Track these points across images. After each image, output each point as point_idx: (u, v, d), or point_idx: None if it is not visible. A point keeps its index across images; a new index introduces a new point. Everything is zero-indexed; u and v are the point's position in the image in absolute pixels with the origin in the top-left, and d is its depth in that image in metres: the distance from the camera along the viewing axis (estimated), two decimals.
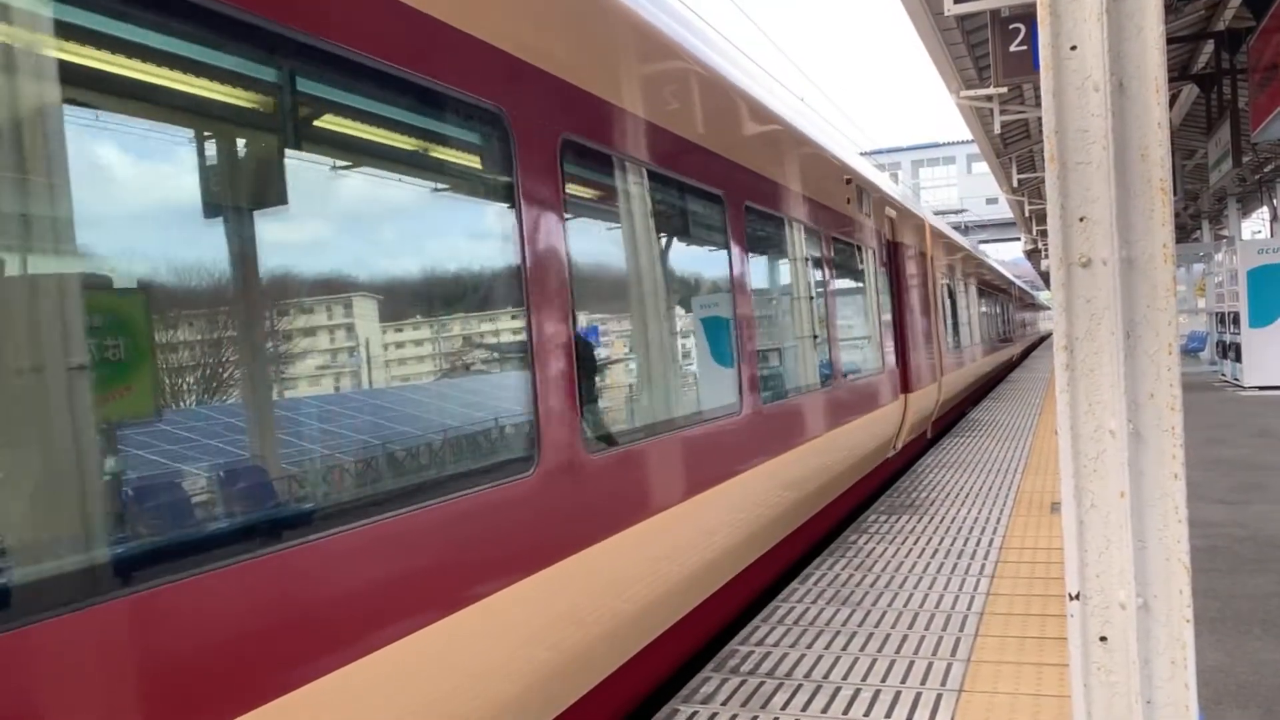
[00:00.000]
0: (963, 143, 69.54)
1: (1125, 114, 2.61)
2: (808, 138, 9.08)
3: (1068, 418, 2.68)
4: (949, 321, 18.14)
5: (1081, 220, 2.65)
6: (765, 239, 7.73)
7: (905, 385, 12.65)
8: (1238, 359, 20.95)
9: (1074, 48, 2.65)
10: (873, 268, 11.49)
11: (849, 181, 10.35)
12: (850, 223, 10.32)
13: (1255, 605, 5.88)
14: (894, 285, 12.74)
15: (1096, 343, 2.65)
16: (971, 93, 17.49)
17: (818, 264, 9.10)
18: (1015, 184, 29.26)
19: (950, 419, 18.08)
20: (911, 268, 14.09)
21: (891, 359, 12.04)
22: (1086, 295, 2.65)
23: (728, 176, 6.55)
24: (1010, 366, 34.11)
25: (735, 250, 6.61)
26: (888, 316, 12.15)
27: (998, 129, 19.36)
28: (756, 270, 7.32)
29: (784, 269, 8.49)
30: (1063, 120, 2.67)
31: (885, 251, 12.32)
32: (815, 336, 9.01)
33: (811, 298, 8.95)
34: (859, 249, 10.88)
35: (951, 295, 18.97)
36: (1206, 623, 5.52)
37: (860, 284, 11.13)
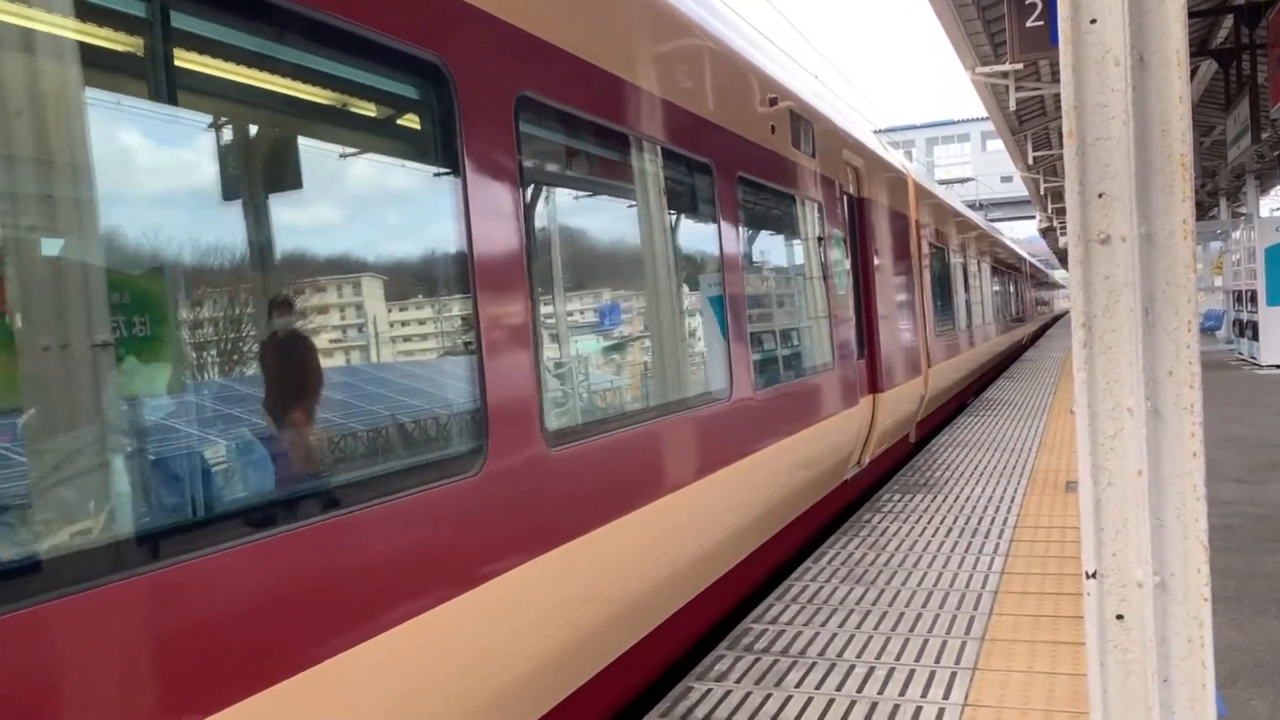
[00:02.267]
0: (977, 120, 68.94)
1: (1145, 88, 2.58)
2: (688, 19, 5.90)
3: (1085, 395, 2.66)
4: (941, 301, 15.34)
5: (1100, 196, 2.63)
6: (588, 165, 5.01)
7: (874, 384, 9.95)
8: (1255, 337, 20.81)
9: (1094, 21, 2.61)
10: (821, 229, 8.50)
11: (775, 103, 7.29)
12: (777, 162, 7.31)
13: (1273, 584, 5.86)
14: (858, 254, 9.93)
15: (1115, 320, 2.63)
16: (987, 69, 17.35)
17: (707, 216, 6.09)
18: (1030, 161, 29.07)
19: (944, 416, 15.42)
20: (887, 233, 11.23)
21: (851, 351, 9.05)
22: (1105, 272, 2.63)
23: (475, 39, 3.71)
24: (1021, 349, 33.39)
25: (493, 177, 3.73)
26: (845, 295, 9.16)
27: (1013, 106, 19.19)
28: (563, 216, 4.78)
29: (633, 220, 5.43)
30: (1082, 95, 2.63)
31: (845, 210, 9.40)
32: (691, 327, 6.05)
33: (691, 266, 6.07)
34: (795, 201, 7.91)
35: (945, 270, 16.00)
36: (1223, 601, 5.50)
37: (796, 250, 8.23)
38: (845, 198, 9.48)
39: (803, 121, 8.04)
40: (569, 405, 4.78)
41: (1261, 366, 19.89)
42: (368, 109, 3.56)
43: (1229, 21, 16.68)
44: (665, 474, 5.09)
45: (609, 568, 4.46)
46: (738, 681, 4.69)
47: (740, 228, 6.50)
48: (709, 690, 4.60)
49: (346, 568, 2.92)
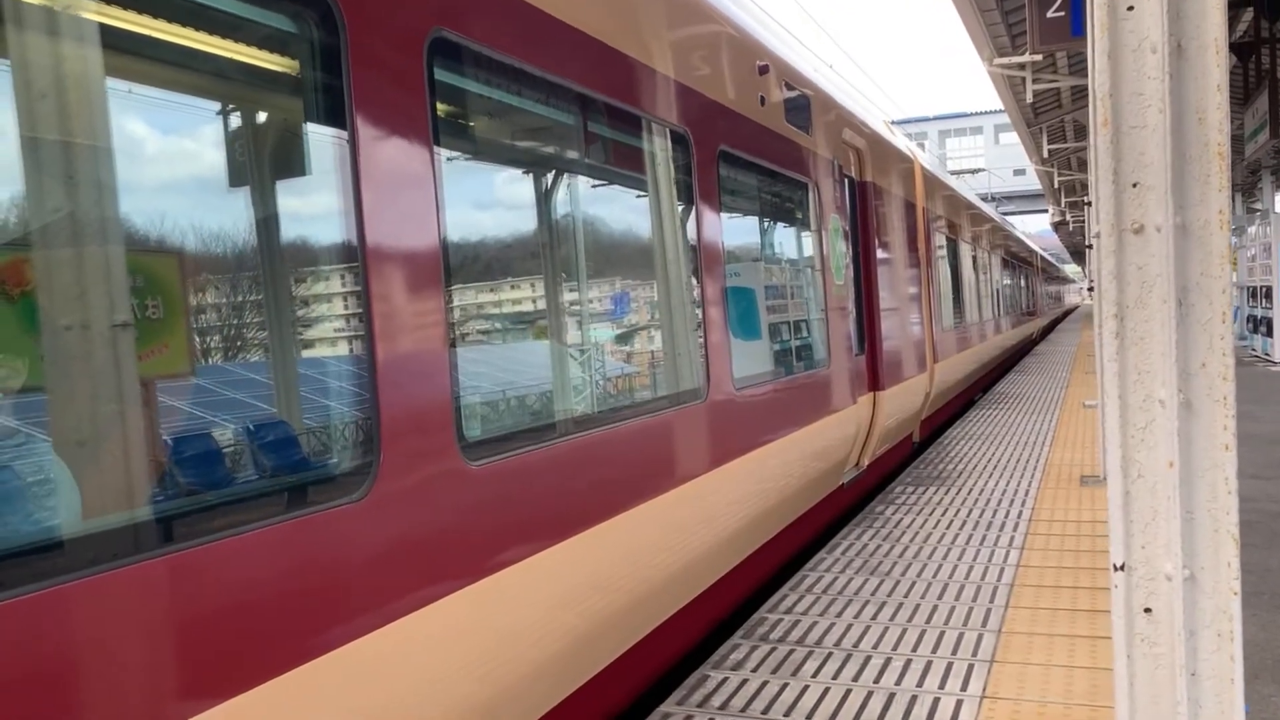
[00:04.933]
0: (990, 113, 68.74)
1: (1182, 76, 2.55)
2: None
3: (1116, 387, 2.64)
4: (948, 294, 14.68)
5: (1135, 186, 2.60)
6: (532, 128, 4.38)
7: (874, 381, 9.29)
8: (1269, 334, 20.70)
9: (1131, 8, 2.58)
10: (817, 213, 7.78)
11: (765, 71, 6.64)
12: (767, 138, 6.66)
13: None
14: (859, 242, 9.27)
15: (1147, 310, 2.60)
16: (1004, 60, 17.25)
17: (683, 193, 5.41)
18: (1045, 154, 28.91)
19: (950, 414, 14.88)
20: (890, 221, 10.56)
21: (849, 346, 8.38)
22: (1138, 262, 2.60)
23: None
24: (1031, 344, 33.13)
25: (394, 136, 3.16)
26: (844, 286, 8.44)
27: (1030, 98, 19.10)
28: (500, 187, 4.30)
29: (590, 195, 4.89)
30: (1118, 83, 2.60)
31: (845, 194, 8.70)
32: (657, 319, 5.38)
33: (663, 251, 5.30)
34: (787, 181, 7.25)
35: (953, 261, 15.34)
36: (1241, 597, 5.46)
37: (787, 235, 7.66)
38: (845, 181, 8.80)
39: (798, 96, 7.38)
40: (497, 408, 4.20)
41: (1275, 363, 19.79)
42: (226, 49, 2.90)
43: (1249, 15, 16.54)
44: (613, 491, 4.34)
45: (544, 606, 3.78)
46: (754, 670, 4.68)
47: (721, 209, 5.82)
48: (725, 679, 4.59)
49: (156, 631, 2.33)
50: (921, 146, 16.21)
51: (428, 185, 3.29)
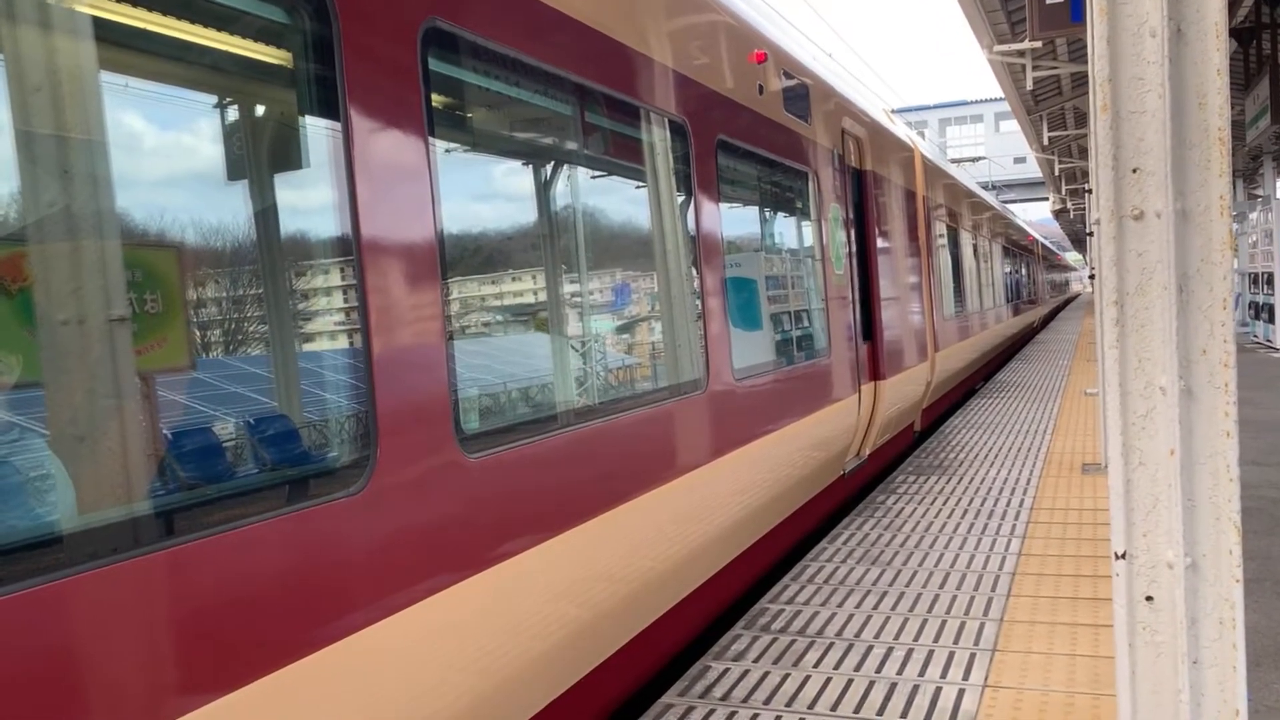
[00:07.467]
0: (990, 101, 68.57)
1: (1182, 61, 2.53)
2: None
3: (1116, 374, 2.62)
4: (949, 282, 14.62)
5: (1134, 171, 2.58)
6: (529, 120, 4.36)
7: (875, 370, 9.28)
8: (1270, 320, 20.67)
9: None
10: (817, 203, 7.78)
11: (763, 60, 6.62)
12: (765, 127, 6.63)
13: None
14: (860, 232, 9.20)
15: (1148, 298, 2.58)
16: (1004, 48, 17.19)
17: (682, 183, 5.37)
18: (1045, 142, 28.84)
19: (950, 403, 14.80)
20: (891, 210, 10.55)
21: (850, 335, 8.38)
22: (1138, 249, 2.59)
23: None
24: (1032, 332, 33.05)
25: (388, 127, 3.14)
26: (844, 275, 8.40)
27: (1029, 85, 19.03)
28: (497, 179, 4.31)
29: (587, 185, 4.78)
30: (1117, 68, 2.58)
31: (845, 183, 8.69)
32: (657, 309, 5.33)
33: (665, 241, 5.27)
34: (787, 171, 7.23)
35: (953, 249, 15.36)
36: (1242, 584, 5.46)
37: (787, 225, 7.60)
38: (846, 170, 8.78)
39: (797, 84, 7.33)
40: (495, 401, 4.17)
41: (1277, 350, 19.76)
42: (220, 41, 2.89)
43: (1250, 1, 16.48)
44: (613, 483, 4.32)
45: (545, 598, 3.76)
46: (755, 661, 4.68)
47: (720, 199, 5.78)
48: (727, 669, 4.59)
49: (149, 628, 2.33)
50: (922, 135, 16.11)
51: (423, 177, 3.28)
